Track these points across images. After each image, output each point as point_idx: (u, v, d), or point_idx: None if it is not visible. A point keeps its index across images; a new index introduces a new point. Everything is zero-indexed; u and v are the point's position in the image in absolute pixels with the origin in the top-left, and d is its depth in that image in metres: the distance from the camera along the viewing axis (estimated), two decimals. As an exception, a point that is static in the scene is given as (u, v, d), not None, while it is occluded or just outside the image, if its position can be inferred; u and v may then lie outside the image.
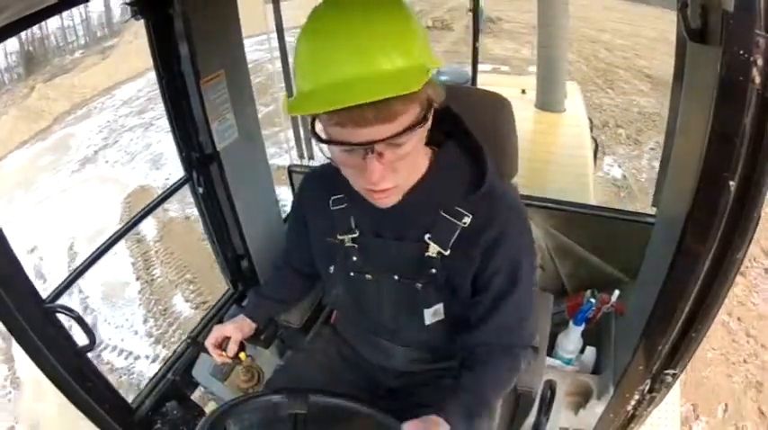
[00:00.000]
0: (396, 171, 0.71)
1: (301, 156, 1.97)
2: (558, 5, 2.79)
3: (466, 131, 0.85)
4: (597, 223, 1.53)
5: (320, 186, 0.94)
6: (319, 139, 0.68)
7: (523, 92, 3.05)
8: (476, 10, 2.62)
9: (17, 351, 3.10)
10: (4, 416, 2.84)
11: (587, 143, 2.80)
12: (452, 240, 0.82)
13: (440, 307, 0.88)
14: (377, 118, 0.62)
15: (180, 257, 3.91)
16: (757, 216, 0.59)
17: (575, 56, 7.71)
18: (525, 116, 2.83)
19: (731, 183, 0.56)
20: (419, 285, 0.87)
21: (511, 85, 3.06)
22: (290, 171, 1.83)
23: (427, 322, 0.90)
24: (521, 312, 0.87)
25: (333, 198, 0.91)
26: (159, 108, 7.96)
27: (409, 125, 0.65)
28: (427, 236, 0.83)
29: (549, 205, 1.55)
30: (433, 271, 0.85)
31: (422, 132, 0.71)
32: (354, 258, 0.91)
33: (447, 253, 0.83)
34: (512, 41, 6.83)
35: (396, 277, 0.88)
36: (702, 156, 0.59)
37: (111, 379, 3.02)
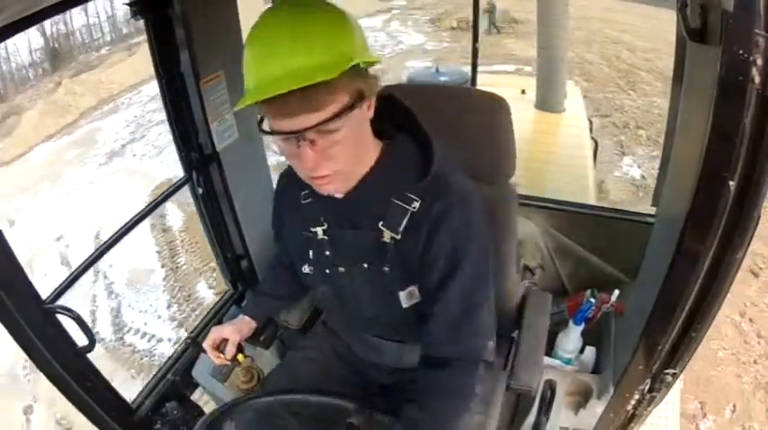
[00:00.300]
0: (331, 158, 0.75)
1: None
2: (558, 6, 2.79)
3: (416, 124, 0.88)
4: (597, 223, 1.53)
5: (291, 182, 0.96)
6: (263, 131, 0.76)
7: (523, 92, 3.06)
8: (476, 10, 2.62)
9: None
10: (24, 396, 2.95)
11: (587, 143, 2.80)
12: (403, 225, 0.85)
13: (414, 289, 0.89)
14: (302, 107, 0.68)
15: (205, 247, 3.91)
16: (757, 216, 0.59)
17: (596, 57, 7.74)
18: (525, 116, 2.84)
19: (731, 182, 0.56)
20: (386, 269, 0.88)
21: (510, 85, 3.07)
22: None
23: (405, 305, 0.90)
24: (467, 303, 0.85)
25: (302, 193, 0.94)
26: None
27: (337, 112, 0.70)
28: (380, 223, 0.86)
29: (549, 205, 1.55)
30: (391, 256, 0.87)
31: (356, 120, 0.75)
32: (327, 253, 0.93)
33: (398, 237, 0.85)
34: (533, 44, 6.88)
35: (365, 265, 0.90)
36: (702, 155, 0.59)
37: (133, 360, 3.15)
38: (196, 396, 1.42)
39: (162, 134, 6.40)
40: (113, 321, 3.53)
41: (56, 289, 0.98)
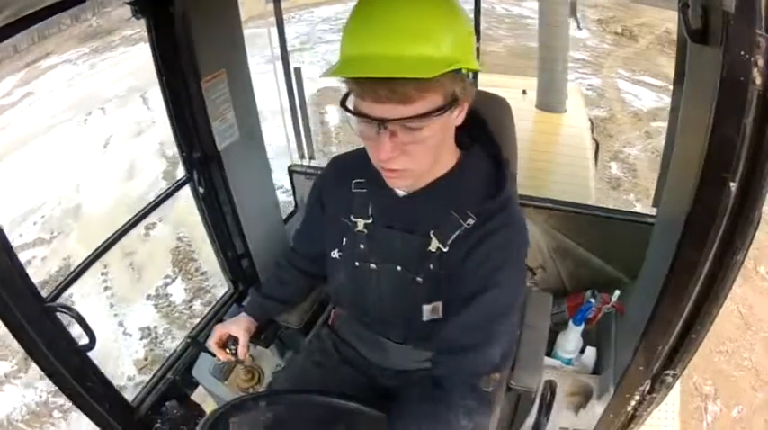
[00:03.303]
0: (408, 154, 0.73)
1: (302, 157, 1.97)
2: (559, 5, 2.79)
3: (491, 139, 0.87)
4: (597, 223, 1.53)
5: (345, 167, 0.97)
6: (345, 109, 0.73)
7: (524, 92, 3.05)
8: (477, 11, 2.62)
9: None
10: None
11: (588, 144, 2.80)
12: (452, 238, 0.83)
13: (438, 305, 0.88)
14: (389, 97, 0.65)
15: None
16: (758, 216, 0.59)
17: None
18: (526, 117, 2.84)
19: (732, 183, 0.56)
20: (420, 279, 0.87)
21: (511, 85, 3.06)
22: (291, 171, 1.83)
23: (425, 318, 0.90)
24: (491, 317, 0.80)
25: (355, 181, 0.93)
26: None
27: (424, 112, 0.67)
28: (432, 231, 0.84)
29: (550, 205, 1.55)
30: (431, 266, 0.86)
31: (443, 124, 0.73)
32: (362, 246, 0.92)
33: (445, 249, 0.84)
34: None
35: (398, 268, 0.89)
36: (703, 156, 0.59)
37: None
38: (196, 395, 1.42)
39: (329, 52, 6.31)
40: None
41: (56, 287, 0.99)
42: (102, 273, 3.34)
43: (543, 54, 2.94)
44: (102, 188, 4.37)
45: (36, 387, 2.68)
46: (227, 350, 1.07)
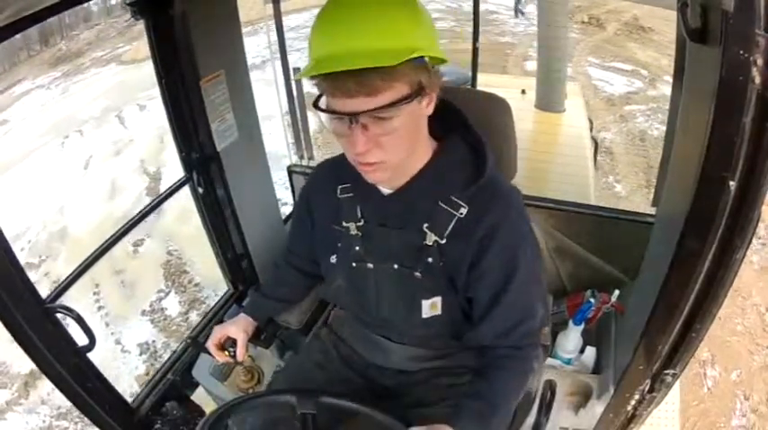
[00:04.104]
0: (381, 146, 0.75)
1: (301, 157, 1.97)
2: (559, 5, 2.79)
3: (467, 125, 0.88)
4: (597, 223, 1.53)
5: (330, 174, 0.98)
6: (318, 108, 0.75)
7: (523, 92, 3.06)
8: (476, 11, 2.62)
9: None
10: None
11: (587, 143, 2.80)
12: (448, 230, 0.85)
13: (438, 300, 0.89)
14: (358, 90, 0.68)
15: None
16: (757, 215, 0.59)
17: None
18: (525, 117, 2.84)
19: (731, 183, 0.56)
20: (418, 274, 0.88)
21: (511, 85, 3.07)
22: (290, 171, 1.83)
23: (424, 315, 0.90)
24: (523, 305, 0.87)
25: (341, 186, 0.94)
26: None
27: (391, 101, 0.70)
28: (425, 225, 0.85)
29: (549, 205, 1.55)
30: (430, 260, 0.87)
31: (411, 113, 0.74)
32: (357, 248, 0.92)
33: (443, 242, 0.85)
34: (655, 51, 7.00)
35: (396, 266, 0.90)
36: (702, 156, 0.59)
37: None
38: (196, 395, 1.42)
39: (300, 59, 6.44)
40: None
41: (56, 288, 0.99)
42: (95, 292, 3.33)
43: (542, 54, 2.94)
44: (86, 209, 4.37)
45: (38, 412, 2.66)
46: (226, 352, 1.07)
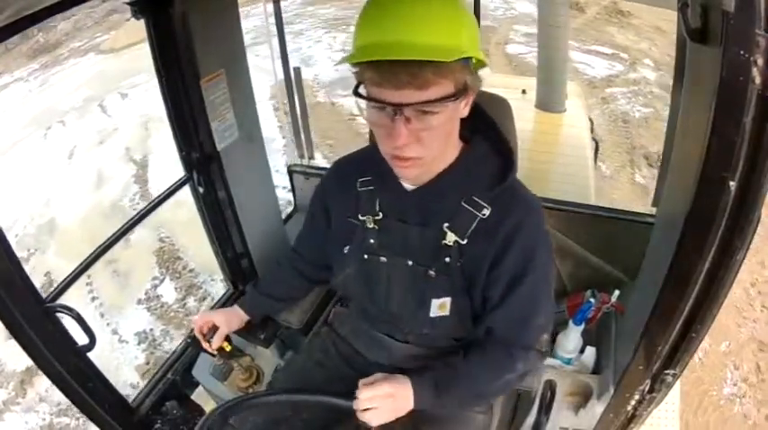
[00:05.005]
0: (420, 142, 0.75)
1: (301, 156, 1.97)
2: (559, 5, 2.79)
3: (495, 129, 0.89)
4: (597, 223, 1.53)
5: (348, 168, 0.99)
6: (360, 96, 0.75)
7: (524, 92, 3.05)
8: (476, 10, 2.61)
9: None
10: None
11: (588, 143, 2.80)
12: (470, 230, 0.85)
13: (447, 300, 0.89)
14: (410, 83, 0.68)
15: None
16: (757, 216, 0.59)
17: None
18: (525, 116, 2.83)
19: (731, 183, 0.56)
20: (432, 272, 0.88)
21: (511, 85, 3.06)
22: (290, 171, 1.83)
23: (432, 314, 0.90)
24: (531, 307, 0.88)
25: (360, 179, 0.94)
26: (308, 21, 7.90)
27: (439, 97, 0.70)
28: (446, 224, 0.86)
29: (549, 205, 1.55)
30: (447, 260, 0.87)
31: (452, 112, 0.75)
32: (372, 240, 0.93)
33: (464, 242, 0.85)
34: (635, 34, 7.05)
35: (409, 262, 0.90)
36: (702, 156, 0.59)
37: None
38: (196, 395, 1.42)
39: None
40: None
41: (56, 288, 0.99)
42: (87, 284, 3.28)
43: (542, 54, 2.93)
44: (73, 200, 4.31)
45: (38, 410, 2.63)
46: (206, 338, 1.08)
